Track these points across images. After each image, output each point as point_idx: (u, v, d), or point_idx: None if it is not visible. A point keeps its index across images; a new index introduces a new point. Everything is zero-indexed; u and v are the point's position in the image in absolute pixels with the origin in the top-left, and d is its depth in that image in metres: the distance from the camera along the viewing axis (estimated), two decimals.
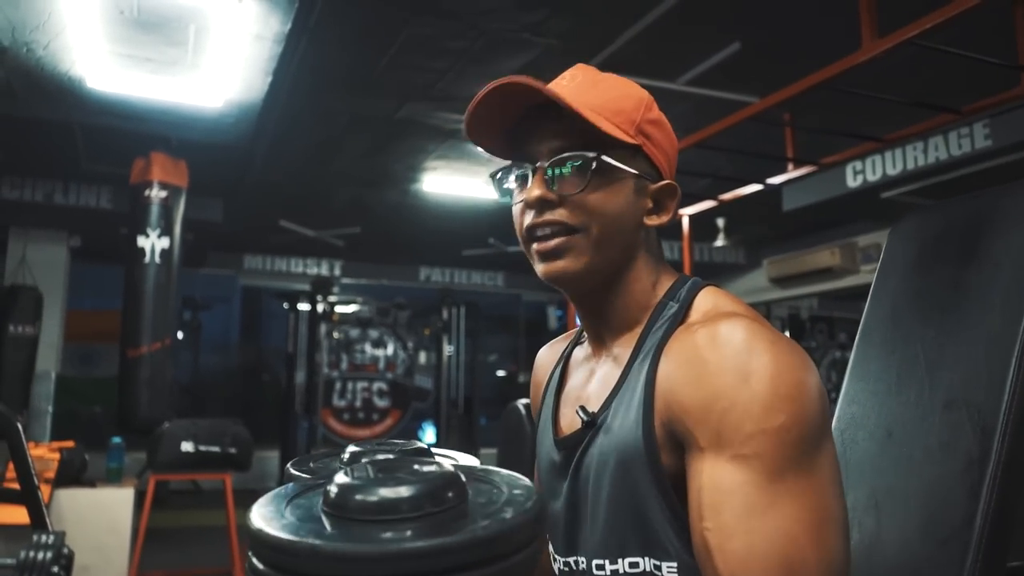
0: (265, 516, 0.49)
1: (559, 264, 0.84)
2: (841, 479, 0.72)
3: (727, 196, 3.93)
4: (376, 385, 9.86)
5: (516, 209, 0.87)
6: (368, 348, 9.92)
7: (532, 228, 0.85)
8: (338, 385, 9.66)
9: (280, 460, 9.01)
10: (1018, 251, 0.94)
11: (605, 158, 0.82)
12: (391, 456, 0.65)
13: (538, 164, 0.84)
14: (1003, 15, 2.70)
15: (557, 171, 0.83)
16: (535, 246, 0.85)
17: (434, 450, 0.78)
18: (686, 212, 4.44)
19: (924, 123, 3.08)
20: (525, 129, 0.86)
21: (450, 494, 0.49)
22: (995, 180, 1.30)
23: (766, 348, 0.72)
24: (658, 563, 0.76)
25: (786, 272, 8.42)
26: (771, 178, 3.68)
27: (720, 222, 7.75)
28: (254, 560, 0.48)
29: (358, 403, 9.71)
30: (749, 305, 0.83)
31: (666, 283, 0.88)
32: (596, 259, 0.84)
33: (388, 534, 0.46)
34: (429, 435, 10.61)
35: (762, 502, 0.67)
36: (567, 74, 0.89)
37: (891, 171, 5.50)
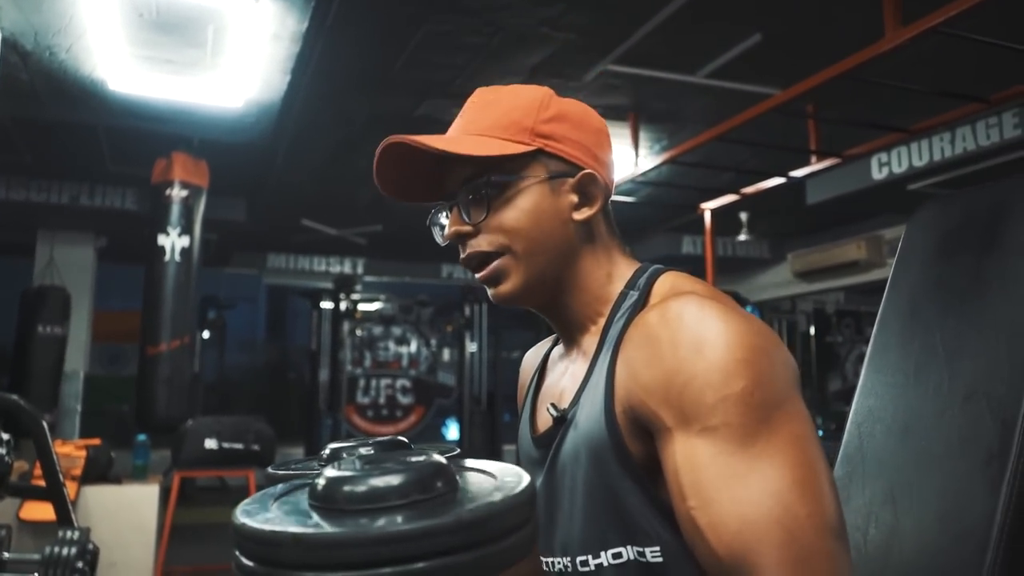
0: (249, 512, 0.48)
1: (501, 289, 0.86)
2: (816, 432, 0.71)
3: (750, 189, 3.89)
4: (399, 382, 9.91)
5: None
6: (391, 345, 9.98)
7: (465, 262, 0.88)
8: (362, 382, 9.72)
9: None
10: None
11: (494, 178, 0.83)
12: (371, 450, 0.65)
13: (449, 203, 0.87)
14: None
15: (466, 202, 0.85)
16: (476, 276, 0.88)
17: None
18: (708, 206, 4.40)
19: (951, 113, 3.03)
20: (442, 173, 0.88)
21: (439, 483, 0.49)
22: None
23: (717, 317, 0.72)
24: (641, 549, 0.75)
25: (811, 266, 8.32)
26: (794, 171, 3.64)
27: (743, 216, 7.68)
28: (239, 556, 0.47)
29: (382, 400, 9.77)
30: (743, 302, 0.82)
31: (626, 272, 0.88)
32: (531, 272, 0.85)
33: (374, 521, 0.45)
34: (452, 431, 10.64)
35: (741, 469, 0.67)
36: (466, 103, 0.91)
37: (917, 162, 5.41)
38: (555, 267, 0.86)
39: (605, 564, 0.77)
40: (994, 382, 0.88)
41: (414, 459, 0.51)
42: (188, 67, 4.20)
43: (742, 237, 8.02)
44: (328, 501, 0.48)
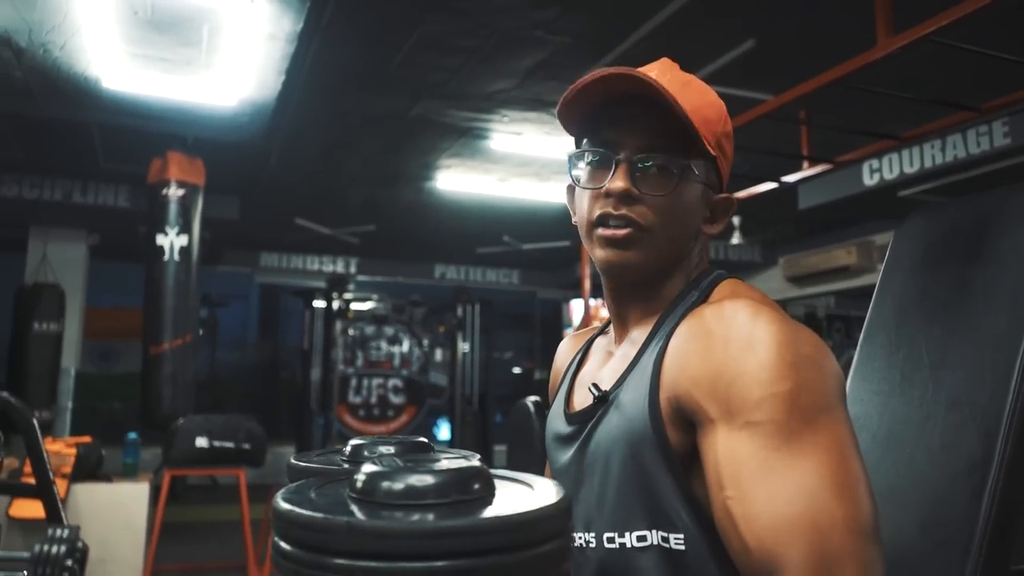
0: (293, 500, 0.49)
1: (625, 255, 0.84)
2: (856, 442, 0.72)
3: (742, 194, 3.90)
4: (391, 382, 9.89)
5: (585, 194, 0.86)
6: (383, 345, 9.95)
7: (605, 216, 0.84)
8: (353, 382, 9.69)
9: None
10: None
11: (693, 167, 0.84)
12: (392, 448, 0.66)
13: (622, 156, 0.83)
14: (1020, 12, 2.66)
15: (644, 168, 0.83)
16: (601, 231, 0.84)
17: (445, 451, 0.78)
18: None
19: (942, 121, 3.05)
20: (611, 115, 0.85)
21: (477, 485, 0.50)
22: (1014, 178, 1.29)
23: (771, 320, 0.74)
24: (665, 535, 0.76)
25: (802, 271, 8.36)
26: (786, 176, 3.65)
27: (736, 220, 7.71)
28: (282, 544, 0.47)
29: (373, 399, 9.74)
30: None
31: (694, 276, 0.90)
32: (657, 257, 0.85)
33: (419, 516, 0.46)
34: (444, 431, 10.63)
35: (780, 465, 0.68)
36: (656, 67, 0.88)
37: (908, 169, 5.44)
38: (668, 263, 0.87)
39: (629, 545, 0.79)
40: (977, 392, 0.89)
41: (454, 463, 0.52)
42: (183, 66, 4.20)
43: (734, 241, 8.05)
44: (368, 495, 0.49)
